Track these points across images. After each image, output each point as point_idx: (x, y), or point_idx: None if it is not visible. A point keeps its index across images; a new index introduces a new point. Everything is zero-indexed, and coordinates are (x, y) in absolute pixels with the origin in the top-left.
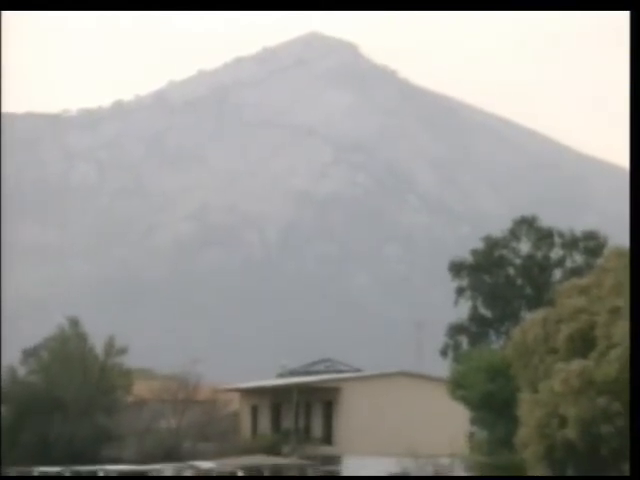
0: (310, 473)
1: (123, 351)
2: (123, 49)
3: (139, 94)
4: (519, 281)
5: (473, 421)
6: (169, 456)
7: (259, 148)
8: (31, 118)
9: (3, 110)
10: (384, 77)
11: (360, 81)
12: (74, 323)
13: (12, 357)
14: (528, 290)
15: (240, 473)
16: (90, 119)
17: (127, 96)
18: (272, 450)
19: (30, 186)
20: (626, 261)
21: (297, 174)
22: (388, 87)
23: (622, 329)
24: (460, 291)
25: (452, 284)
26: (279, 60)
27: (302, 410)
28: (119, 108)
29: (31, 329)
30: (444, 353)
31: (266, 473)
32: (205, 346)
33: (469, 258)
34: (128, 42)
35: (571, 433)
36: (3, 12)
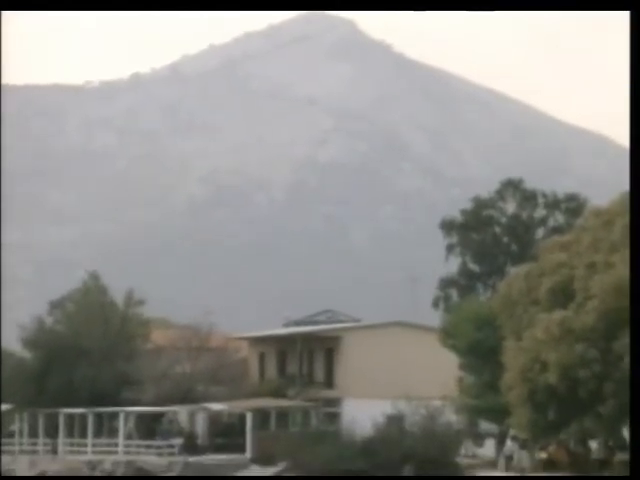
0: (313, 414)
1: (141, 303)
2: (140, 26)
3: (155, 67)
4: (505, 239)
5: (462, 367)
6: (184, 399)
7: (266, 116)
8: (56, 89)
9: (29, 82)
10: (381, 51)
11: (358, 55)
12: (95, 277)
13: (40, 309)
14: (513, 247)
15: (249, 413)
16: (110, 90)
17: (144, 69)
18: (278, 393)
19: (54, 152)
20: (602, 220)
21: (300, 140)
22: (384, 60)
23: (598, 282)
24: (450, 248)
25: (443, 241)
26: (283, 36)
27: (305, 357)
28: (136, 80)
29: (57, 284)
30: (436, 305)
31: (272, 414)
32: (217, 298)
33: (459, 217)
34: (145, 19)
35: (552, 377)
36: None
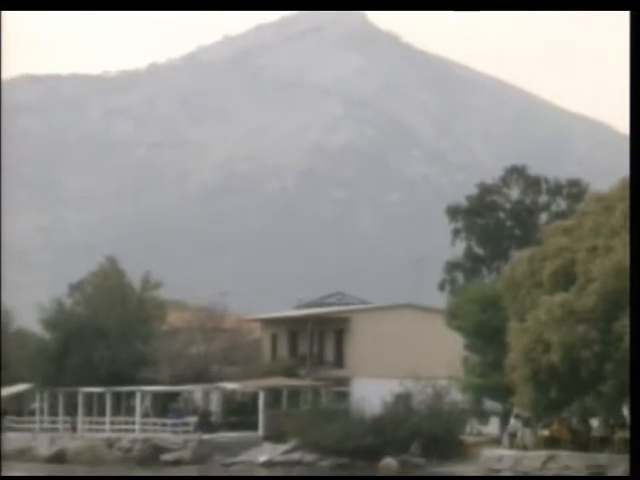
0: (323, 393)
1: (158, 285)
2: (158, 18)
3: (172, 57)
4: (509, 223)
5: (467, 347)
6: (199, 378)
7: (278, 105)
8: (75, 79)
9: (49, 72)
10: (389, 42)
11: (368, 45)
12: (113, 261)
13: (59, 291)
14: (517, 231)
15: (261, 392)
16: (128, 80)
17: (161, 59)
18: (289, 373)
19: (74, 140)
20: (603, 205)
21: (311, 128)
22: (393, 51)
23: (599, 266)
24: (456, 232)
25: (449, 226)
26: (296, 27)
27: (316, 338)
28: (154, 70)
29: (76, 267)
30: (442, 287)
31: (284, 393)
32: (231, 281)
33: (464, 203)
34: (163, 12)
35: (554, 357)
36: None
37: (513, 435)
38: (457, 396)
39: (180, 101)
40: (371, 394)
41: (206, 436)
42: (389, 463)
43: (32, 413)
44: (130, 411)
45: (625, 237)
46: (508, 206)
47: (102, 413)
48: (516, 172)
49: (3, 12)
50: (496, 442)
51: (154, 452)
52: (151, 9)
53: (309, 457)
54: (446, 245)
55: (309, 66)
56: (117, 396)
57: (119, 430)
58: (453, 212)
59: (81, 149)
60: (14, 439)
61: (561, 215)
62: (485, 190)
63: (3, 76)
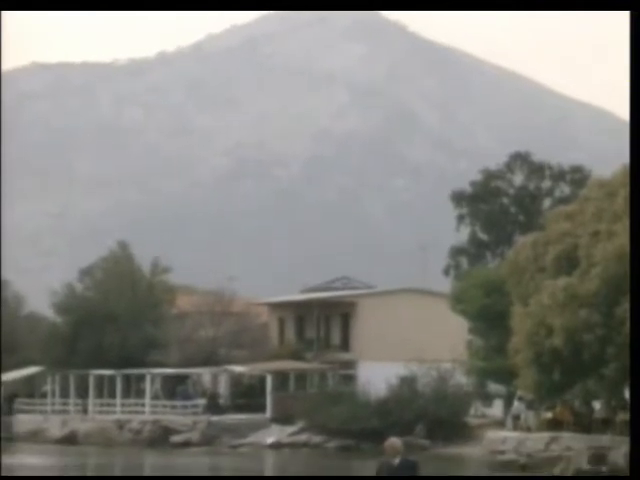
0: (330, 376)
1: (167, 270)
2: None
3: (180, 45)
4: (513, 209)
5: (471, 331)
6: (207, 361)
7: (285, 92)
8: (86, 67)
9: (61, 60)
10: (395, 31)
11: (374, 34)
12: (123, 246)
13: (71, 276)
14: (520, 217)
15: (269, 375)
16: (137, 68)
17: (170, 47)
18: (296, 356)
19: (85, 127)
20: (605, 190)
21: (318, 115)
22: (398, 39)
23: (601, 250)
24: (460, 218)
25: (453, 211)
26: (302, 15)
27: (322, 321)
28: (163, 58)
29: (87, 252)
30: (446, 272)
31: (291, 376)
32: (238, 266)
33: (468, 189)
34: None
35: (557, 341)
36: None
37: (516, 417)
38: (461, 379)
39: (189, 89)
40: (377, 377)
41: (214, 418)
42: (394, 442)
43: (44, 395)
44: (140, 393)
45: (627, 222)
46: (512, 192)
47: (112, 395)
48: (520, 158)
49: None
50: (500, 424)
51: (163, 433)
52: (152, 9)
53: (316, 439)
54: (451, 230)
55: (316, 54)
56: (127, 379)
57: (129, 412)
58: (458, 198)
59: (91, 136)
60: (26, 421)
61: (564, 200)
62: (489, 176)
63: (14, 64)
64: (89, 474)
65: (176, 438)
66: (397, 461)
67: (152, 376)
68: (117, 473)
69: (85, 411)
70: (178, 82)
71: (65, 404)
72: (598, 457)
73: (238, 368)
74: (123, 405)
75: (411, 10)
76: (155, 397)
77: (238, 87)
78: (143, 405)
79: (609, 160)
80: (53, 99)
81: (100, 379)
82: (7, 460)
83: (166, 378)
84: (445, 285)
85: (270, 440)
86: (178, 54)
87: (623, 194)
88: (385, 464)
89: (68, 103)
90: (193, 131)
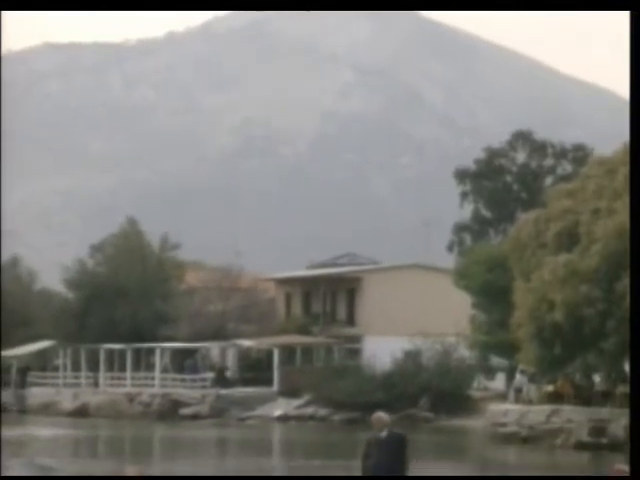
0: (336, 350)
1: (176, 246)
2: None
3: (189, 26)
4: (515, 186)
5: (474, 306)
6: (216, 335)
7: (291, 72)
8: (96, 47)
9: (72, 40)
10: (400, 11)
11: (379, 15)
12: (133, 222)
13: (82, 252)
14: (523, 194)
15: (276, 349)
16: (146, 48)
17: (178, 27)
18: (303, 330)
19: (96, 106)
20: (606, 168)
21: (324, 94)
22: (403, 20)
23: (602, 227)
24: (464, 195)
25: (457, 189)
26: None
27: (328, 297)
28: (171, 38)
29: (98, 228)
30: (450, 248)
31: (298, 350)
32: (246, 242)
33: (472, 166)
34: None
35: (558, 315)
36: None
37: (518, 390)
38: (464, 353)
39: (197, 68)
40: (382, 351)
41: (223, 391)
42: (381, 416)
43: (56, 369)
44: (150, 367)
45: (627, 199)
46: (514, 169)
47: (123, 369)
48: (522, 137)
49: None
50: (502, 397)
51: (173, 406)
52: (153, 9)
53: (322, 411)
54: (454, 207)
55: (322, 35)
56: (137, 352)
57: (139, 385)
58: (461, 175)
59: (102, 115)
60: (39, 394)
61: (566, 178)
62: (492, 154)
63: (26, 45)
64: (100, 446)
65: (185, 411)
66: (384, 434)
67: (162, 350)
68: (127, 445)
69: (96, 384)
70: (186, 62)
71: (77, 377)
72: (598, 429)
73: (246, 342)
74: (133, 378)
75: (420, 10)
76: (165, 371)
77: (245, 67)
78: (153, 378)
79: (610, 138)
80: (64, 79)
81: (111, 353)
82: (20, 432)
83: (175, 352)
84: (449, 261)
85: (277, 413)
86: (186, 34)
87: (623, 172)
88: (373, 438)
89: (79, 83)
90: (201, 110)
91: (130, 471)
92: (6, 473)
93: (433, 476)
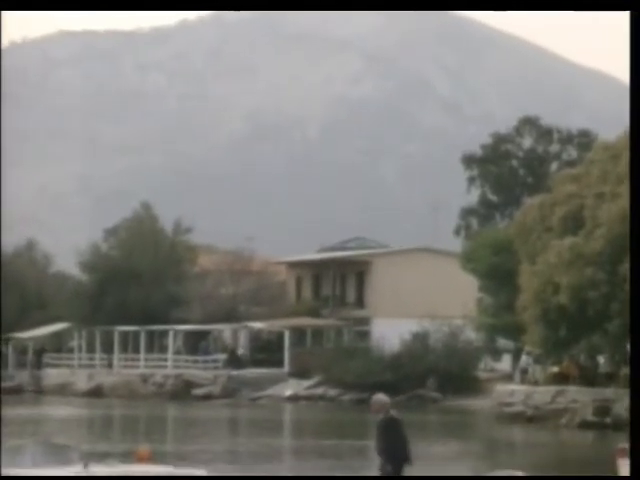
0: (345, 332)
1: (189, 230)
2: None
3: (201, 13)
4: (521, 171)
5: (481, 289)
6: (227, 318)
7: (302, 59)
8: (110, 35)
9: (86, 28)
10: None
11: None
12: (147, 207)
13: (96, 235)
14: (529, 179)
15: (287, 331)
16: (159, 35)
17: (191, 15)
18: (313, 313)
19: (110, 92)
20: (610, 153)
21: (333, 81)
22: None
23: (606, 211)
24: (471, 180)
25: (464, 174)
26: None
27: (338, 280)
28: (184, 25)
29: (112, 212)
30: (457, 232)
31: (308, 332)
32: (257, 226)
33: (479, 152)
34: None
35: (563, 298)
36: None
37: (524, 371)
38: (471, 335)
39: (209, 55)
40: (390, 333)
41: (234, 372)
42: (379, 398)
43: (71, 350)
44: (163, 349)
45: None
46: (521, 155)
47: (137, 350)
48: (529, 123)
49: None
50: (508, 378)
51: (185, 387)
52: (155, 9)
53: (332, 392)
54: (461, 192)
55: (331, 23)
56: (151, 334)
57: (153, 366)
58: (468, 161)
59: (116, 101)
60: (54, 374)
61: (571, 163)
62: (499, 140)
63: (42, 33)
64: (114, 425)
65: (198, 391)
66: (381, 416)
67: (174, 332)
68: (142, 424)
69: (110, 365)
70: (198, 49)
71: (91, 359)
72: (602, 409)
73: (257, 324)
74: (147, 360)
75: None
76: (177, 352)
77: (256, 54)
78: (166, 360)
79: (614, 124)
80: (79, 65)
81: (125, 335)
82: (36, 411)
83: (188, 334)
84: (456, 245)
85: (288, 393)
86: (199, 22)
87: (627, 157)
88: (378, 421)
89: (93, 69)
90: (213, 96)
91: (141, 451)
92: (22, 452)
93: (433, 476)
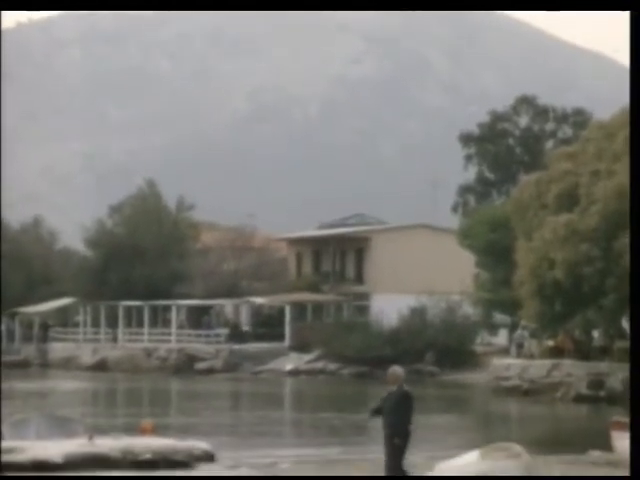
0: (345, 307)
1: (191, 207)
2: None
3: None
4: (518, 149)
5: (478, 264)
6: (229, 293)
7: (302, 40)
8: (113, 16)
9: (90, 11)
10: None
11: None
12: (151, 184)
13: (101, 212)
14: (525, 157)
15: (287, 306)
16: (163, 17)
17: None
18: (313, 288)
19: (114, 73)
20: (605, 132)
21: (333, 61)
22: None
23: (601, 188)
24: (468, 158)
25: (462, 152)
26: None
27: (338, 256)
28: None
29: (116, 190)
30: (455, 209)
31: (309, 307)
32: (259, 203)
33: (476, 130)
34: None
35: (558, 273)
36: None
37: (520, 345)
38: (469, 310)
39: (211, 37)
40: (389, 308)
41: (236, 346)
42: (394, 370)
43: (76, 325)
44: (166, 323)
45: (626, 161)
46: (517, 133)
47: (140, 325)
48: (525, 101)
49: None
50: (505, 352)
51: (188, 361)
52: (156, 9)
53: (332, 366)
54: (459, 170)
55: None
56: (154, 309)
57: (156, 341)
58: (466, 139)
59: (120, 81)
60: (60, 349)
61: (566, 141)
62: (496, 118)
63: (49, 13)
64: (119, 398)
65: (200, 365)
66: (394, 389)
67: (177, 307)
68: (145, 397)
69: (115, 340)
70: (201, 31)
71: (96, 333)
72: (596, 383)
73: (258, 299)
74: (150, 334)
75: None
76: (180, 327)
77: (257, 35)
78: (169, 334)
79: (609, 103)
80: (85, 46)
81: (129, 310)
82: (42, 384)
83: (191, 309)
84: (454, 221)
85: (288, 367)
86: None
87: (622, 135)
88: (387, 393)
89: (99, 50)
90: (216, 77)
91: (144, 424)
92: (26, 425)
93: (433, 476)
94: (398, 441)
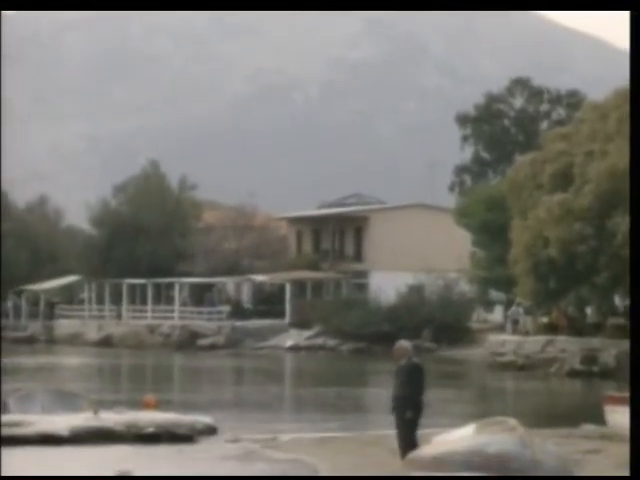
0: (344, 285)
1: (194, 187)
2: None
3: None
4: (513, 130)
5: (474, 243)
6: (231, 271)
7: (302, 22)
8: None
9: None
10: None
11: None
12: (154, 164)
13: (105, 192)
14: (520, 137)
15: (288, 284)
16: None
17: None
18: (313, 266)
19: (118, 54)
20: (599, 113)
21: (333, 43)
22: None
23: (595, 169)
24: (465, 138)
25: (458, 132)
26: None
27: (337, 234)
28: None
29: (120, 170)
30: (452, 189)
31: (308, 284)
32: (259, 183)
33: (472, 111)
34: None
35: (553, 252)
36: None
37: (515, 322)
38: (465, 287)
39: (212, 18)
40: (387, 285)
41: (238, 323)
42: (401, 344)
43: (81, 302)
44: (169, 300)
45: (619, 142)
46: (512, 114)
47: (144, 302)
48: (520, 83)
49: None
50: (500, 328)
51: (191, 337)
52: (156, 9)
53: (331, 342)
54: (456, 150)
55: None
56: (157, 287)
57: (159, 317)
58: (462, 120)
59: (124, 63)
60: (66, 325)
61: (561, 122)
62: (491, 99)
63: None
64: (123, 374)
65: (203, 341)
66: (403, 362)
67: (180, 285)
68: (149, 373)
69: (119, 316)
70: (203, 13)
71: (101, 310)
72: (590, 358)
73: (259, 277)
74: (154, 311)
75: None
76: (183, 304)
77: (258, 17)
78: (172, 311)
79: (603, 85)
80: (90, 29)
81: (133, 287)
82: (49, 360)
83: (193, 286)
84: (451, 201)
85: (289, 343)
86: None
87: (615, 116)
88: (398, 366)
89: (102, 32)
90: (217, 58)
91: (147, 399)
92: (32, 399)
93: (433, 476)
94: (410, 414)
